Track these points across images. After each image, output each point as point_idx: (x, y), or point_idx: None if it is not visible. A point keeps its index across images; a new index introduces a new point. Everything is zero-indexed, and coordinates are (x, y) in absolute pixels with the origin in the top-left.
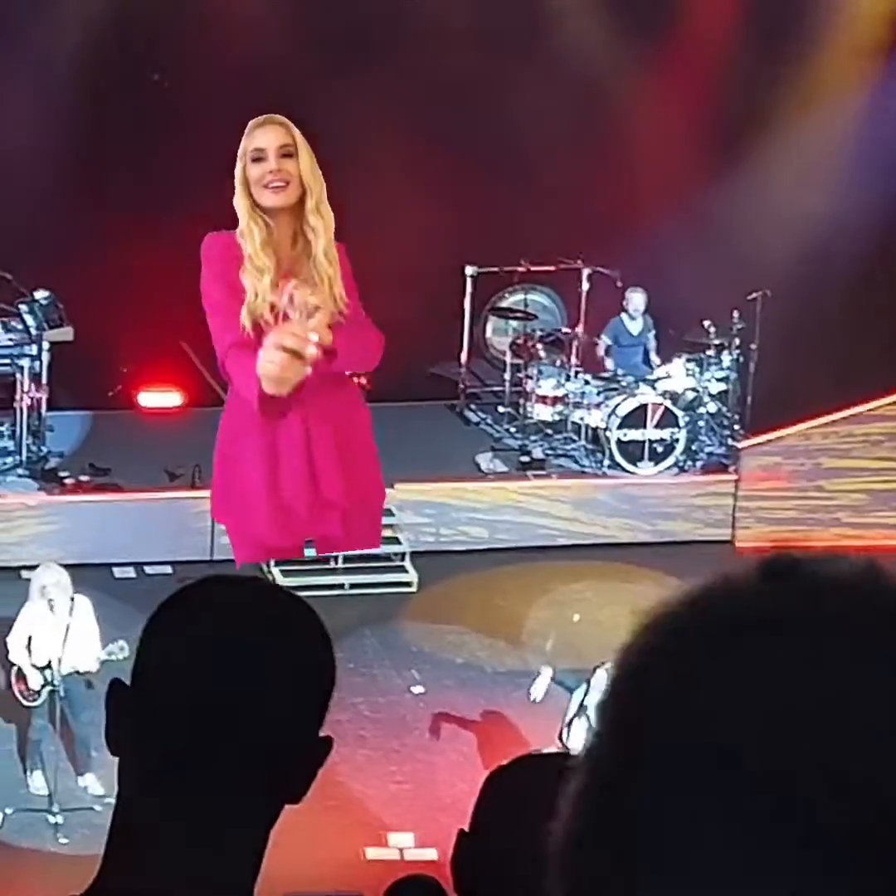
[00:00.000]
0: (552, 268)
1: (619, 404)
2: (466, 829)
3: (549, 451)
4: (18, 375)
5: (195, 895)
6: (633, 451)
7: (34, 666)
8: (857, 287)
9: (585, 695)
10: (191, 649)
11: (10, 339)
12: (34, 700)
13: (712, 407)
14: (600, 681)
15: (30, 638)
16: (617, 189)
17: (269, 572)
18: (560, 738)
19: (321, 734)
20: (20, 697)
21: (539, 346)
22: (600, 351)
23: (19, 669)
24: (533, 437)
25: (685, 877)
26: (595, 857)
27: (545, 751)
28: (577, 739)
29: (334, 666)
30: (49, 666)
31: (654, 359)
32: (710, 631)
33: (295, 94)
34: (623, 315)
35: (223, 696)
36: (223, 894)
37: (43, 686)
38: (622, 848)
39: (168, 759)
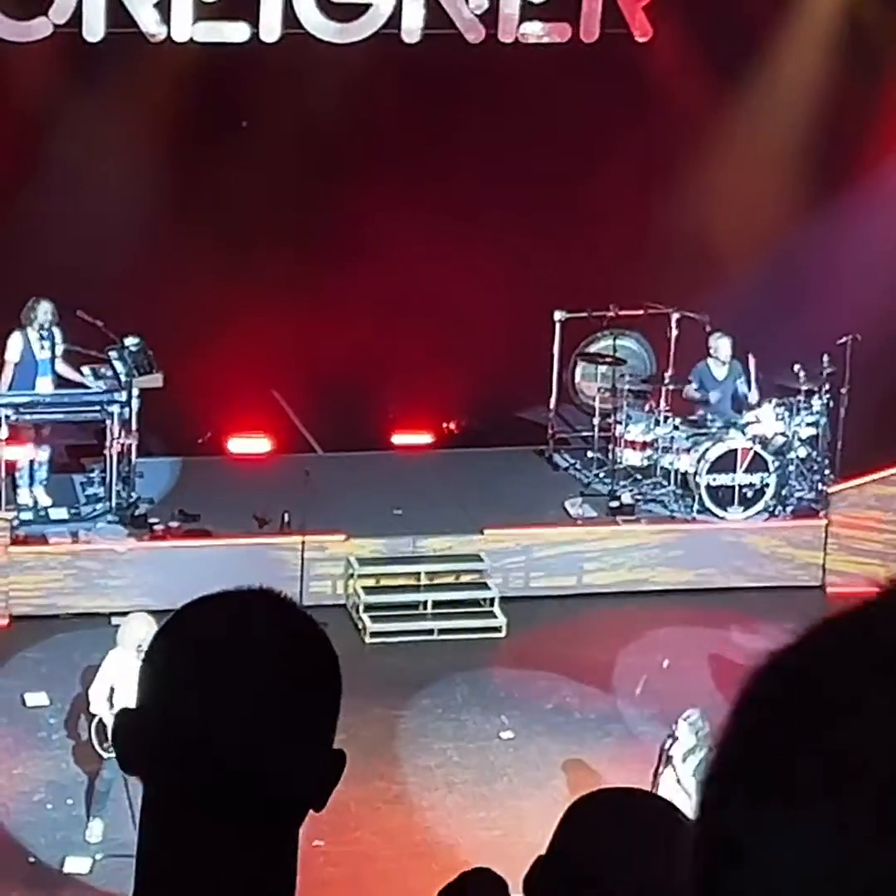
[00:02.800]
0: (640, 312)
1: (708, 449)
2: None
3: (638, 497)
4: (108, 422)
5: None
6: (722, 496)
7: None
8: None
9: (670, 746)
10: (208, 654)
11: (101, 386)
12: (110, 752)
13: (803, 451)
14: (683, 731)
15: (112, 689)
16: (705, 234)
17: (360, 618)
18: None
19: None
20: (97, 747)
21: (628, 390)
22: (691, 395)
23: (100, 720)
24: (622, 482)
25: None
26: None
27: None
28: (666, 789)
29: (340, 679)
30: None
31: (753, 398)
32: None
33: (374, 148)
34: (709, 360)
35: (228, 710)
36: None
37: None
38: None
39: (177, 775)
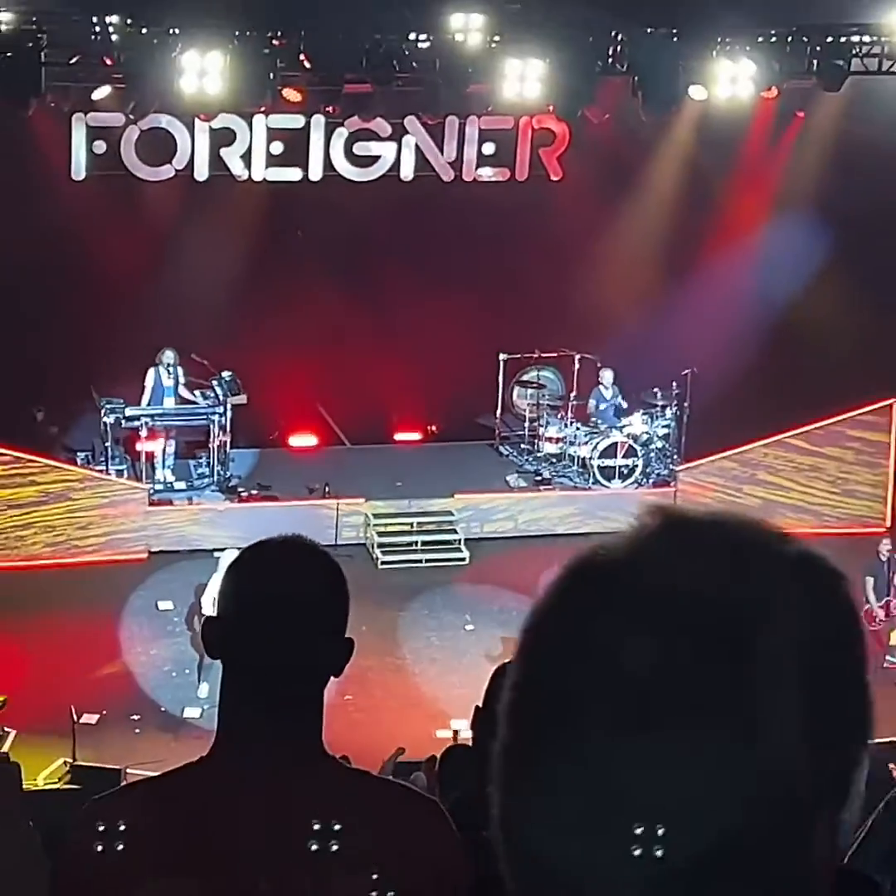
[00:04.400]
0: (555, 354)
1: (599, 443)
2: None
3: (553, 474)
4: (212, 426)
5: (273, 753)
6: (607, 473)
7: None
8: (751, 370)
9: None
10: (258, 578)
11: (207, 404)
12: None
13: (659, 444)
14: None
15: (214, 599)
16: (598, 302)
17: (374, 552)
18: None
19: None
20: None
21: (547, 405)
22: (587, 409)
23: (206, 619)
24: (543, 464)
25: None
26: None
27: None
28: None
29: (348, 594)
30: None
31: (623, 413)
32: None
33: (383, 247)
34: (600, 386)
35: (285, 609)
36: (302, 746)
37: None
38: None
39: (246, 656)
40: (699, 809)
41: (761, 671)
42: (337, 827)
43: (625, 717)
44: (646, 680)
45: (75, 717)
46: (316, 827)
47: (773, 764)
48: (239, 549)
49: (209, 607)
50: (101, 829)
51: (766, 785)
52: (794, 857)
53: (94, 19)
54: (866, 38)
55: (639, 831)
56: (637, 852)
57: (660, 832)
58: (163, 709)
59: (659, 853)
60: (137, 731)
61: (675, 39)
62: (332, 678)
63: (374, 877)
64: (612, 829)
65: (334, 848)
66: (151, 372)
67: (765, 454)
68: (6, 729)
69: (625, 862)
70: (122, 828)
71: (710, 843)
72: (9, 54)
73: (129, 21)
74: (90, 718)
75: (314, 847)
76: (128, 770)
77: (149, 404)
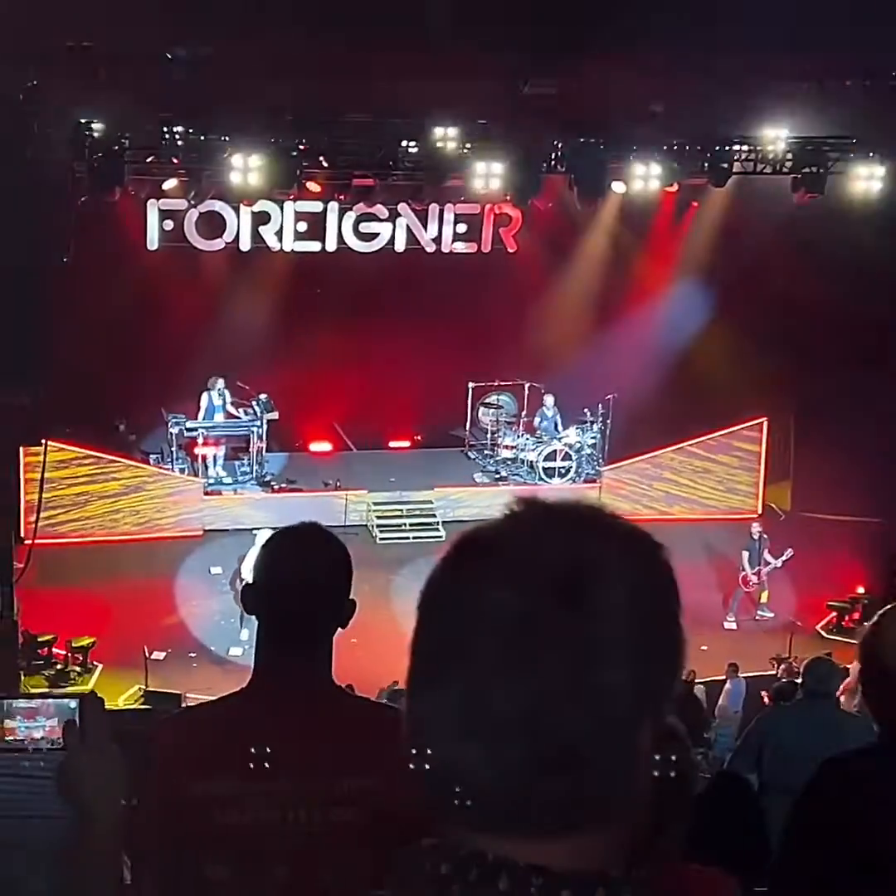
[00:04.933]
0: (510, 383)
1: (543, 450)
2: None
3: (509, 473)
4: (252, 436)
5: (296, 685)
6: (550, 473)
7: None
8: (659, 395)
9: None
10: (284, 554)
11: (248, 419)
12: None
13: (588, 450)
14: None
15: (252, 567)
16: (544, 342)
17: (373, 531)
18: None
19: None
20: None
21: (504, 421)
22: (534, 424)
23: (246, 582)
24: (501, 466)
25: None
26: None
27: None
28: None
29: (351, 567)
30: None
31: (561, 427)
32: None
33: (381, 301)
34: (544, 407)
35: (304, 578)
36: (317, 678)
37: None
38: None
39: (275, 612)
40: (549, 715)
41: (595, 612)
42: (343, 739)
43: (496, 651)
44: (511, 623)
45: (147, 654)
46: (328, 738)
47: (604, 681)
48: (272, 529)
49: (248, 573)
50: (170, 739)
51: (599, 697)
52: (621, 751)
53: (165, 128)
54: (745, 147)
55: (503, 732)
56: (501, 749)
57: (518, 732)
58: (213, 649)
59: (517, 750)
60: (194, 665)
61: (601, 147)
62: (339, 629)
63: (371, 774)
64: (484, 731)
65: (341, 754)
66: (205, 395)
67: (671, 458)
68: (94, 664)
69: (491, 755)
70: (186, 739)
71: (558, 742)
72: (100, 154)
73: (191, 130)
74: (159, 655)
75: (327, 754)
76: (187, 695)
77: (203, 419)
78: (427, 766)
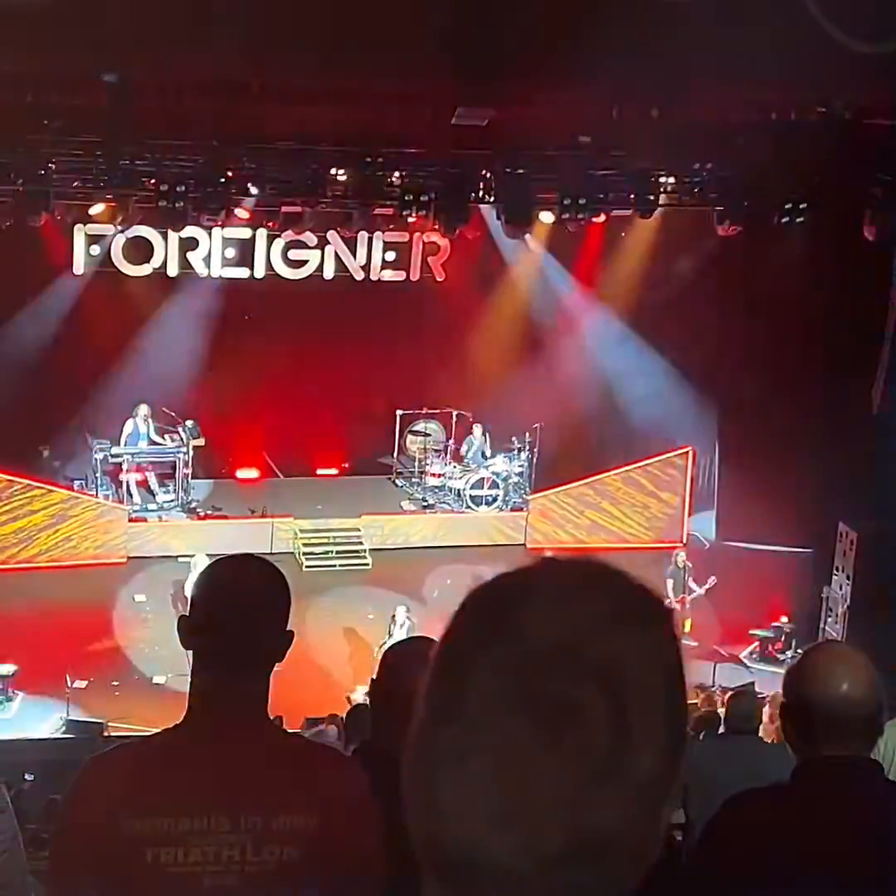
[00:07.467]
0: (438, 411)
1: (470, 478)
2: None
3: (436, 501)
4: (177, 462)
5: (233, 721)
6: (477, 500)
7: None
8: (583, 425)
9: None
10: (222, 584)
11: (174, 445)
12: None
13: (515, 479)
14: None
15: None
16: (473, 373)
17: (300, 558)
18: None
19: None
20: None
21: (432, 449)
22: (461, 452)
23: (181, 616)
24: (429, 493)
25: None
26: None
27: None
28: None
29: (290, 599)
30: None
31: (489, 455)
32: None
33: (310, 328)
34: (471, 435)
35: (243, 610)
36: (255, 713)
37: None
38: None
39: (212, 644)
40: (591, 803)
41: (636, 698)
42: (280, 776)
43: (534, 735)
44: (551, 707)
45: (69, 683)
46: (266, 774)
47: (642, 768)
48: (208, 555)
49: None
50: (102, 778)
51: (636, 783)
52: (651, 837)
53: (92, 153)
54: (671, 179)
55: (541, 819)
56: (539, 837)
57: (558, 821)
58: (136, 677)
59: (556, 839)
60: (117, 693)
61: (529, 177)
62: (276, 664)
63: (308, 812)
64: (521, 818)
65: (278, 791)
66: (130, 421)
67: (597, 487)
68: (14, 692)
69: (528, 844)
70: (121, 777)
71: (597, 831)
72: (24, 179)
73: (119, 155)
74: (81, 683)
75: (265, 791)
76: (109, 723)
77: (127, 445)
78: (443, 847)
